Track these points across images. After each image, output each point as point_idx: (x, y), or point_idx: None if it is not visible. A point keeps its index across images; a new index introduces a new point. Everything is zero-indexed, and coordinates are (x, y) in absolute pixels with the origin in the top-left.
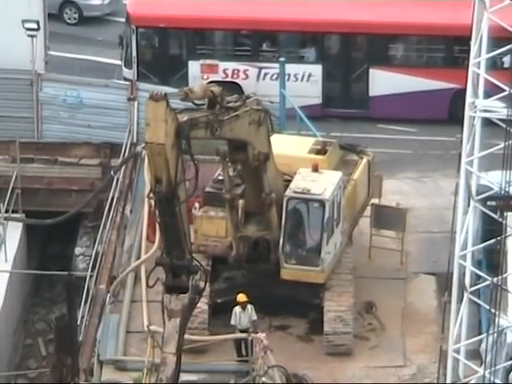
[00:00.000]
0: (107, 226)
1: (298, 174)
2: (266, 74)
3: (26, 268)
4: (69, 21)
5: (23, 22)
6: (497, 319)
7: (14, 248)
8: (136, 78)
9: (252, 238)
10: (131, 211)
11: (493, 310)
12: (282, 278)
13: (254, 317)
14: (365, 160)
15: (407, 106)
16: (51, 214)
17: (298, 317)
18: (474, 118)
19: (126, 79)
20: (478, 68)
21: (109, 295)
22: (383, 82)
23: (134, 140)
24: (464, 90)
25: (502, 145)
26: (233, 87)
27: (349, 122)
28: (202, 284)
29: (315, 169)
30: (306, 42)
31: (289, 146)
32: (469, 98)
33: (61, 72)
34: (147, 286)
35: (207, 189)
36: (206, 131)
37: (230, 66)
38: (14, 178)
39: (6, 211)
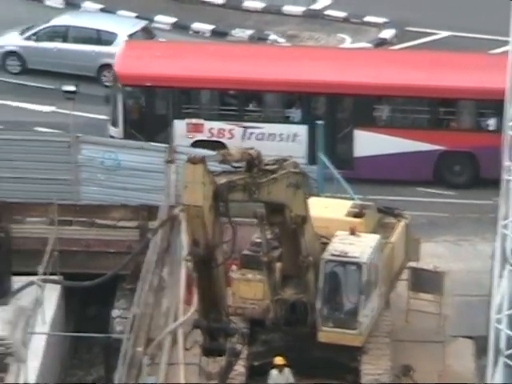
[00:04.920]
0: (144, 289)
1: (335, 236)
2: (251, 134)
3: (64, 330)
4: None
5: None
6: None
7: (52, 310)
8: (122, 136)
9: (289, 301)
10: (169, 274)
11: None
12: (319, 341)
13: (291, 380)
14: (402, 223)
15: (392, 168)
16: (89, 276)
17: (335, 380)
18: (510, 181)
19: (112, 137)
20: None
21: (146, 358)
22: (368, 143)
23: (172, 202)
24: (448, 152)
25: None
26: (218, 146)
27: (385, 185)
28: (239, 347)
29: (353, 232)
30: (292, 103)
31: (326, 209)
32: (505, 162)
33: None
34: (184, 348)
35: (245, 251)
36: (243, 194)
37: (216, 125)
38: (52, 240)
39: (44, 273)
